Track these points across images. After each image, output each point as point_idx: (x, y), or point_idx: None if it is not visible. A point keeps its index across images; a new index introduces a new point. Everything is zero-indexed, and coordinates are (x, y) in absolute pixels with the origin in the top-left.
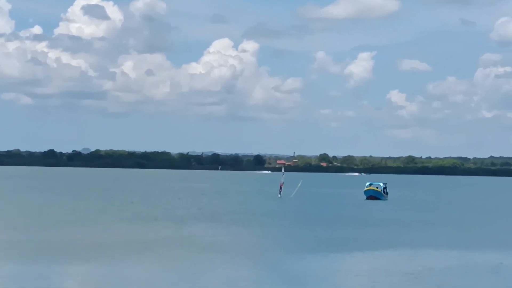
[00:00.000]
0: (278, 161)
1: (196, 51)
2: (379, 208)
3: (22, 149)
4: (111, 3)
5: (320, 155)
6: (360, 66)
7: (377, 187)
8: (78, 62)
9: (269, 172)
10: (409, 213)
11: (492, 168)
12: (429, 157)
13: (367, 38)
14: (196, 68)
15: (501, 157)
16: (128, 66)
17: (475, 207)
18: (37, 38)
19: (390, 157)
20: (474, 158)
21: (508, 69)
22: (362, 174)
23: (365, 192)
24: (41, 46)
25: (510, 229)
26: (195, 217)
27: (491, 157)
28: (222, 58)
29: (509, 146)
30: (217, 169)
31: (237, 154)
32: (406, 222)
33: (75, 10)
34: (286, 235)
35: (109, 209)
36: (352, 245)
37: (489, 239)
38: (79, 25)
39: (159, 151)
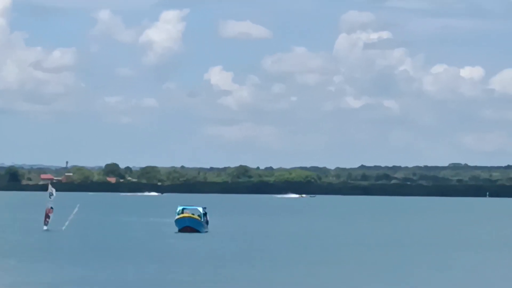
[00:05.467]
0: (43, 176)
1: None
2: (192, 246)
3: None
4: None
5: (107, 166)
6: (164, 31)
7: (193, 214)
8: None
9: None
10: (237, 251)
11: (363, 183)
12: (270, 168)
13: None
14: None
15: (376, 167)
16: None
17: (339, 241)
18: None
19: (211, 168)
20: (337, 169)
21: (383, 34)
22: (303, 195)
23: (177, 221)
24: None
25: None
26: None
27: (362, 167)
28: None
29: (389, 149)
30: None
31: None
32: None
33: None
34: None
35: None
36: None
37: None
38: None
39: None
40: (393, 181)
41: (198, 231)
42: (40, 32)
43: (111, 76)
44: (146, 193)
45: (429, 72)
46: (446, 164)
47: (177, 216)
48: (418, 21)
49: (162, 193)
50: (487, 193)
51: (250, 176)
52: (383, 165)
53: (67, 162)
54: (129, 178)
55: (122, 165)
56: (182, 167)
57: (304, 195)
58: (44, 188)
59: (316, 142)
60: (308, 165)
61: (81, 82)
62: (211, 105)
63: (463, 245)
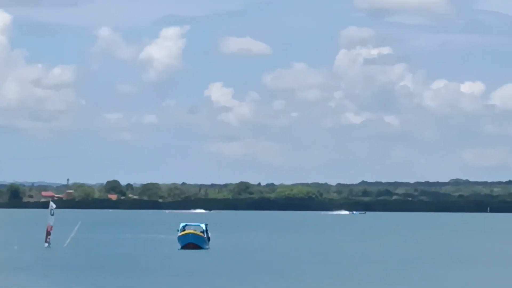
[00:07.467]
0: (44, 193)
1: None
2: (193, 262)
3: None
4: None
5: (108, 183)
6: (164, 48)
7: (195, 230)
8: None
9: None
10: (238, 267)
11: (365, 199)
12: (271, 184)
13: (174, 6)
14: None
15: (377, 183)
16: None
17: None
18: None
19: (213, 185)
20: (338, 185)
21: (383, 50)
22: (354, 212)
23: (180, 238)
24: None
25: None
26: None
27: (363, 182)
28: None
29: (389, 165)
30: None
31: None
32: None
33: None
34: None
35: None
36: None
37: None
38: None
39: None
40: (394, 197)
41: (201, 248)
42: (41, 49)
43: (111, 93)
44: (192, 211)
45: (429, 88)
46: (447, 180)
47: (180, 233)
48: (418, 37)
49: (210, 210)
50: (488, 209)
51: (251, 193)
52: (384, 181)
53: (68, 179)
54: (130, 195)
55: (123, 182)
56: (183, 183)
57: (354, 212)
58: (45, 205)
59: (317, 158)
60: (309, 181)
61: (81, 99)
62: (211, 121)
63: (466, 260)
